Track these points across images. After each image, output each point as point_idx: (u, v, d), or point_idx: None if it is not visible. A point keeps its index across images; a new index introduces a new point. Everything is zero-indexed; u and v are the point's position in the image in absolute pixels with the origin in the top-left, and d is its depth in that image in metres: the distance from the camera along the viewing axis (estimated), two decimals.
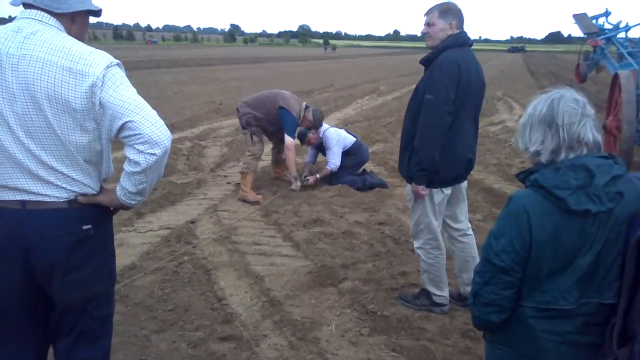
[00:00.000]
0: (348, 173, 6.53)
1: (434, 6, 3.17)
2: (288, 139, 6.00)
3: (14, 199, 1.77)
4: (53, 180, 1.78)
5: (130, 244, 4.59)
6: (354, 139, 6.71)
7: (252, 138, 6.09)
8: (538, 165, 1.67)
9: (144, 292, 3.70)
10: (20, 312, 1.89)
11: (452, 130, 3.11)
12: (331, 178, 6.57)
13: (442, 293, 3.54)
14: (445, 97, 3.03)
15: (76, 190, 1.84)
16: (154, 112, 1.82)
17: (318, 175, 6.51)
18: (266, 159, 7.42)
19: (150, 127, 1.77)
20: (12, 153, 1.73)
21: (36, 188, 1.77)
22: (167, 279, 3.90)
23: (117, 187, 1.92)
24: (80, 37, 1.87)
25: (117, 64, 1.82)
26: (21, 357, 1.95)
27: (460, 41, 3.14)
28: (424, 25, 3.19)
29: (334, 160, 6.43)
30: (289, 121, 6.00)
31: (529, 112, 1.70)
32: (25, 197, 1.77)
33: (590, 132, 1.61)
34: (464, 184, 3.50)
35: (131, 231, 4.91)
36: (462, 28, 3.17)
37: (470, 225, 3.65)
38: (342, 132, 6.76)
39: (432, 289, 3.51)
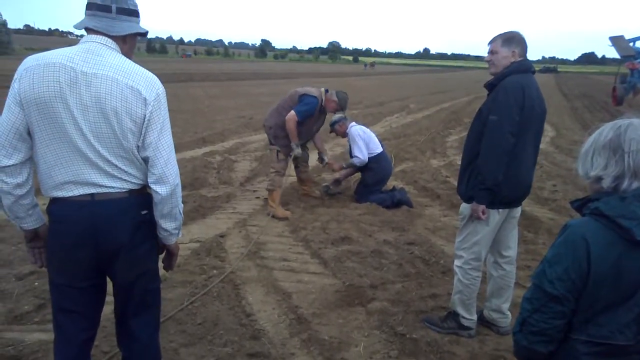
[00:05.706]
0: (374, 190, 6.52)
1: (498, 35, 3.24)
2: (291, 112, 5.89)
3: (85, 193, 2.06)
4: (117, 174, 2.09)
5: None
6: (380, 149, 6.67)
7: (277, 155, 6.12)
8: (599, 193, 1.61)
9: (173, 305, 3.74)
10: (86, 286, 2.21)
11: (515, 152, 3.12)
12: (359, 197, 6.57)
13: (471, 317, 3.49)
14: (509, 118, 3.05)
15: (133, 181, 2.14)
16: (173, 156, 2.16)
17: (344, 164, 6.75)
18: (294, 175, 7.46)
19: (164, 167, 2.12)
20: (85, 153, 2.03)
21: (103, 181, 2.07)
22: (196, 293, 3.93)
23: (160, 234, 2.28)
24: (129, 55, 2.16)
25: (163, 91, 2.14)
26: (85, 319, 2.28)
27: (524, 67, 3.18)
28: (488, 53, 3.26)
29: (359, 154, 6.49)
30: (305, 102, 5.93)
31: (593, 139, 1.64)
32: (93, 190, 2.07)
33: None
34: (518, 210, 3.47)
35: None
36: (525, 56, 3.21)
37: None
38: (369, 132, 6.78)
39: (461, 311, 3.47)
